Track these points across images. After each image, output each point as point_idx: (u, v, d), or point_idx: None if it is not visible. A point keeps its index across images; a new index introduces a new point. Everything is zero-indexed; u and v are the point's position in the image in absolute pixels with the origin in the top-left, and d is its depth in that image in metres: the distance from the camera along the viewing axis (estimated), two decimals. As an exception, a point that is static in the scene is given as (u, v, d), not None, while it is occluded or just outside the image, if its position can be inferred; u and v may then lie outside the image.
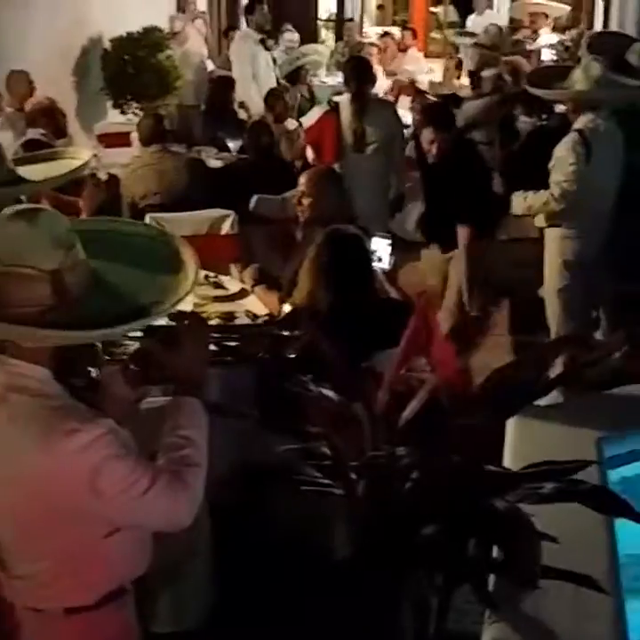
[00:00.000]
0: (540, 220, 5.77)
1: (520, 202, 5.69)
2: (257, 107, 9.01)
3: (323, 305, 3.46)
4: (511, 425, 3.38)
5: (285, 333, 2.52)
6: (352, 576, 2.45)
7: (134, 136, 7.05)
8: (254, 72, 9.57)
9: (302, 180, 5.08)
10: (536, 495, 2.10)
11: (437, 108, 6.63)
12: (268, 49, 10.01)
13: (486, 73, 7.96)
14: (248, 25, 10.12)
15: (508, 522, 2.03)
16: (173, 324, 2.42)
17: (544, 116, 7.64)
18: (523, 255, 6.20)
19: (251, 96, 9.28)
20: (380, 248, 4.83)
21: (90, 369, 3.26)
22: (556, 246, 5.63)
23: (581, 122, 5.40)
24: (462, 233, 5.79)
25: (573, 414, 3.63)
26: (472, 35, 11.01)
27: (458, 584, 2.36)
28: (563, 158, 5.36)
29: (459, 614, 2.90)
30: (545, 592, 2.23)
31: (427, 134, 5.78)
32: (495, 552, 2.26)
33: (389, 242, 4.88)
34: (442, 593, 2.41)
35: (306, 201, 4.95)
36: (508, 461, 3.17)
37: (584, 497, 2.08)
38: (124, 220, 2.63)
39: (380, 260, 4.78)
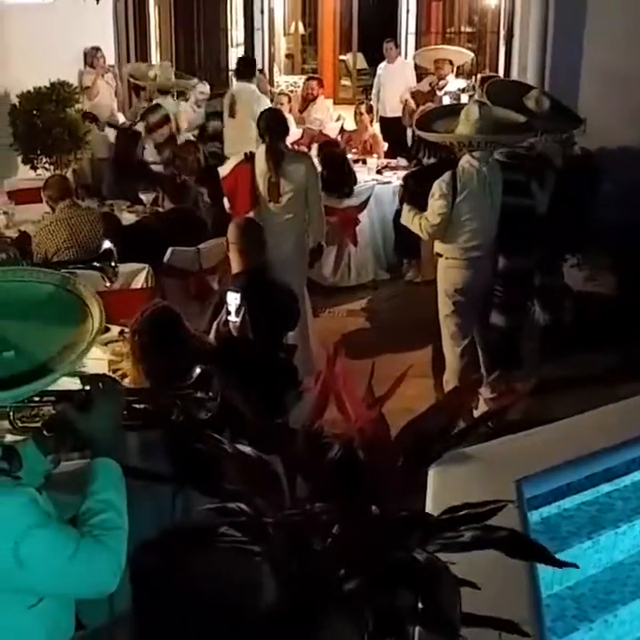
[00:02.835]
0: (435, 248, 6.08)
1: (406, 215, 6.06)
2: None
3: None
4: (432, 471, 3.40)
5: (199, 395, 2.50)
6: (278, 634, 2.42)
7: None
8: None
9: (229, 229, 5.13)
10: (454, 544, 2.10)
11: None
12: None
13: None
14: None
15: (428, 572, 2.03)
16: (87, 387, 2.40)
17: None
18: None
19: None
20: (232, 301, 4.83)
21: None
22: (440, 275, 6.01)
23: (461, 161, 5.70)
24: None
25: (492, 457, 3.68)
26: None
27: (383, 636, 2.34)
28: (432, 193, 5.72)
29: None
30: (471, 638, 2.23)
31: None
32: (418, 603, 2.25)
33: (238, 295, 4.84)
34: (368, 646, 2.39)
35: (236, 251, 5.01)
36: (430, 508, 3.18)
37: (500, 543, 2.09)
38: (27, 270, 2.57)
39: (229, 313, 4.80)
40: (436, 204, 5.69)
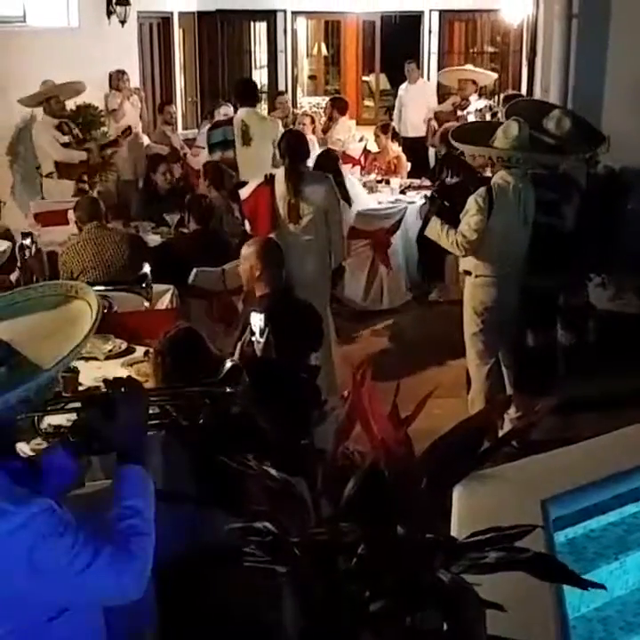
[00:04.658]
0: (462, 266, 6.10)
1: (435, 228, 5.97)
2: None
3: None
4: (457, 491, 3.39)
5: (228, 390, 2.51)
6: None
7: (71, 214, 7.03)
8: None
9: (247, 250, 5.14)
10: (480, 565, 2.09)
11: None
12: None
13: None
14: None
15: (452, 594, 2.02)
16: (110, 391, 2.40)
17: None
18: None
19: None
20: (256, 322, 4.84)
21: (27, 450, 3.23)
22: (468, 293, 6.00)
23: (495, 177, 5.69)
24: None
25: (518, 477, 3.66)
26: None
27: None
28: (467, 209, 5.71)
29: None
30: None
31: None
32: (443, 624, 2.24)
33: (262, 316, 4.86)
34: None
35: (256, 272, 5.02)
36: (454, 529, 3.17)
37: (527, 565, 2.08)
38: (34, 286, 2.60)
39: (253, 333, 4.82)
40: (472, 219, 5.67)
